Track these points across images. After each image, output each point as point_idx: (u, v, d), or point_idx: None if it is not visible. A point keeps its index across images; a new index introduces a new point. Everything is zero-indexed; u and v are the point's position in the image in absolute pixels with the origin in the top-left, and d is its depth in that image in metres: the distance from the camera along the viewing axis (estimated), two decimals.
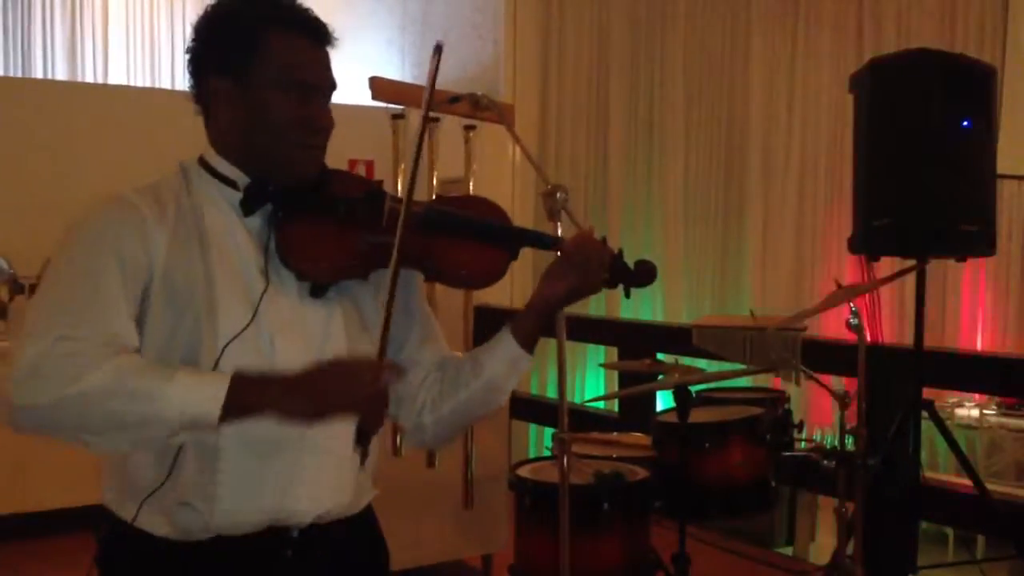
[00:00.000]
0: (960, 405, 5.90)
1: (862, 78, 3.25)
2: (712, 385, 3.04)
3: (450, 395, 1.52)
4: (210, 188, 1.42)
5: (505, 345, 1.49)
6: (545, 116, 5.55)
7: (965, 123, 3.06)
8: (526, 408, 4.58)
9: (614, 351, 5.30)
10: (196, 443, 1.32)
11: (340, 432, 1.39)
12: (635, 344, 4.18)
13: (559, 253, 1.47)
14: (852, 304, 2.45)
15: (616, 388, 5.50)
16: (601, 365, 3.53)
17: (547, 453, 5.45)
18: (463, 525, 3.25)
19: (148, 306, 1.34)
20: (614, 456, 2.53)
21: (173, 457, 1.32)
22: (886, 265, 3.41)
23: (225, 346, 1.32)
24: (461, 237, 1.47)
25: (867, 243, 3.18)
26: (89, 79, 6.12)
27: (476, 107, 2.00)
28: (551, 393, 5.64)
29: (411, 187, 1.38)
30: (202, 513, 1.35)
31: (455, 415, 1.53)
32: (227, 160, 1.43)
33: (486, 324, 4.58)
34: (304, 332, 1.40)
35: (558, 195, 1.92)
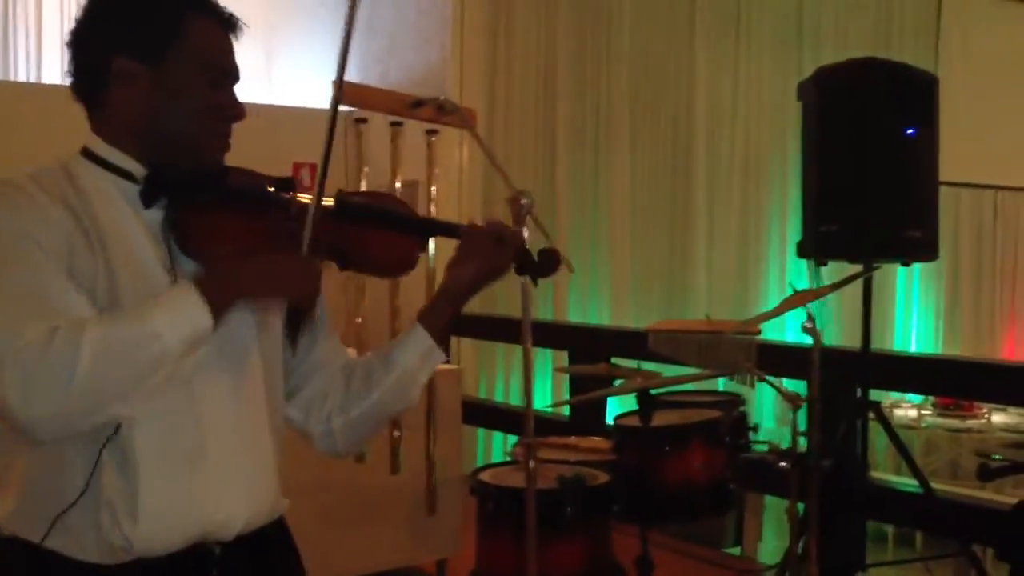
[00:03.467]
0: (898, 406, 6.05)
1: (809, 87, 3.33)
2: (667, 388, 3.07)
3: (361, 396, 1.49)
4: (101, 181, 1.33)
5: (416, 338, 1.48)
6: (492, 121, 5.56)
7: (910, 131, 3.15)
8: (476, 413, 4.58)
9: (563, 355, 5.36)
10: (115, 452, 1.25)
11: (258, 433, 1.39)
12: (587, 348, 4.21)
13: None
14: (807, 308, 2.50)
15: (564, 392, 5.55)
16: (558, 369, 3.53)
17: (501, 457, 5.47)
18: (418, 530, 3.23)
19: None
20: (574, 460, 2.54)
21: (91, 468, 1.24)
22: (832, 269, 3.49)
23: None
24: (372, 226, 1.47)
25: (815, 248, 3.25)
26: (22, 78, 5.99)
27: (440, 112, 1.99)
28: (498, 398, 5.65)
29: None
30: (124, 528, 1.26)
31: (367, 416, 1.51)
32: (119, 150, 1.35)
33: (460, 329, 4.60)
34: (217, 335, 1.29)
35: (523, 201, 1.93)
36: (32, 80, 5.97)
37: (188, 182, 1.36)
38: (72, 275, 1.25)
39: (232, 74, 1.40)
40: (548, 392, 5.66)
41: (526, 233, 1.83)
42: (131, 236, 1.31)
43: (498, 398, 5.65)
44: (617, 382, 2.93)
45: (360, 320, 2.73)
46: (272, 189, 1.41)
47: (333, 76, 1.53)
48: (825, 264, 3.37)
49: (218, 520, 1.33)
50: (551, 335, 4.76)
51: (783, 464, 2.42)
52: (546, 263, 1.52)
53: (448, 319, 1.50)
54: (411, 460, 2.90)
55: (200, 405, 1.33)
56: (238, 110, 1.40)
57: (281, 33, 6.45)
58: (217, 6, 1.40)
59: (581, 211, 5.94)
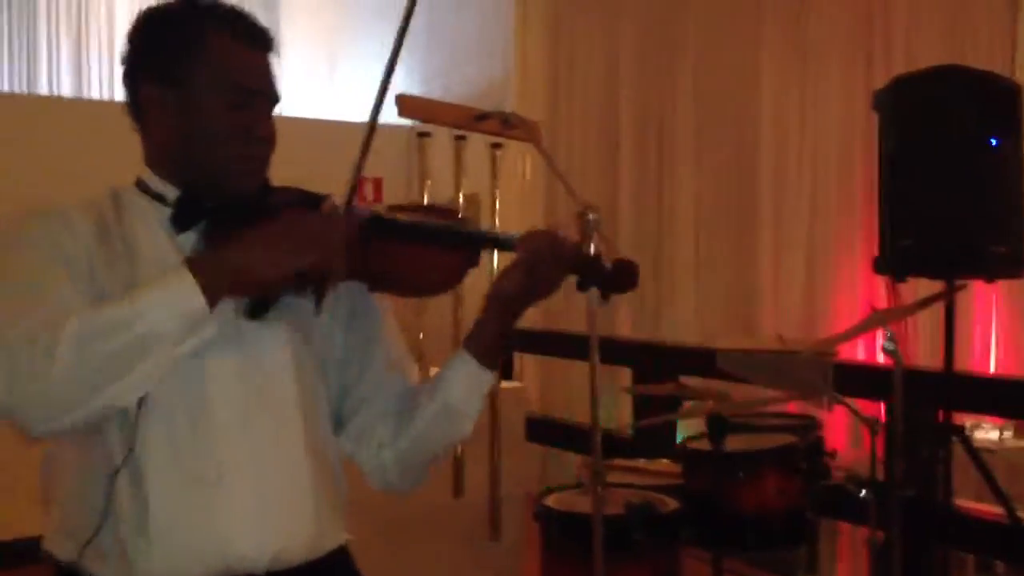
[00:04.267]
0: (979, 427, 5.81)
1: (886, 96, 3.19)
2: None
3: (407, 427, 1.39)
4: (143, 207, 1.33)
5: (461, 363, 1.38)
6: (554, 135, 5.49)
7: (993, 141, 3.00)
8: (540, 430, 4.49)
9: (626, 372, 5.25)
10: (129, 475, 1.22)
11: (288, 459, 1.30)
12: (652, 365, 4.10)
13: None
14: (888, 328, 2.38)
15: (628, 409, 5.43)
16: (625, 389, 3.44)
17: (565, 476, 5.37)
18: (480, 553, 3.16)
19: None
20: (641, 484, 2.45)
21: (107, 494, 1.22)
22: (910, 286, 3.35)
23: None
24: (409, 242, 1.35)
25: (893, 264, 3.11)
26: (95, 95, 6.10)
27: (505, 125, 1.94)
28: (562, 415, 5.54)
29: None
30: (140, 552, 1.22)
31: (415, 449, 1.40)
32: (159, 175, 1.34)
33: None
34: (240, 353, 1.29)
35: (590, 216, 1.85)
36: (106, 98, 6.10)
37: (222, 206, 1.32)
38: (87, 283, 1.24)
39: (262, 93, 1.33)
40: (611, 410, 5.55)
41: (592, 251, 1.75)
42: (161, 261, 1.27)
43: (562, 415, 5.56)
44: (686, 402, 2.84)
45: (422, 336, 2.67)
46: (299, 202, 1.33)
47: (399, 90, 1.47)
48: (903, 280, 3.23)
49: (241, 551, 1.26)
50: (614, 351, 4.63)
51: (863, 493, 2.30)
52: (620, 276, 1.37)
53: (495, 338, 1.38)
54: (474, 480, 2.84)
55: (214, 425, 1.26)
56: (267, 131, 1.33)
57: (345, 49, 6.47)
58: (243, 22, 1.33)
59: (643, 226, 5.83)
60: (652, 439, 3.99)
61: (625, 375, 5.36)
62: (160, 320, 1.14)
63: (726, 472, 2.32)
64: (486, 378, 1.38)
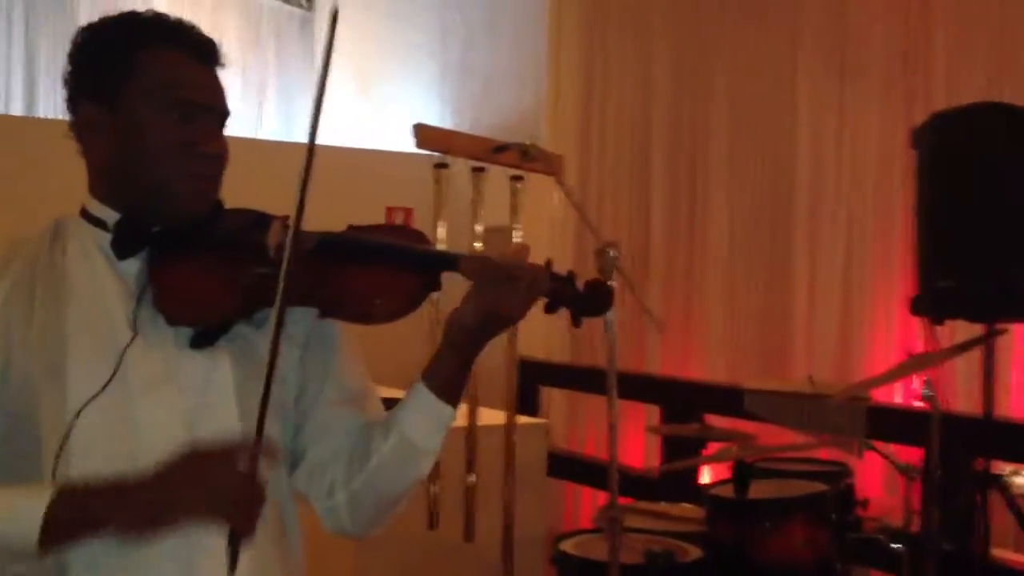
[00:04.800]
0: (1017, 473, 5.62)
1: (925, 133, 3.10)
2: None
3: (361, 465, 1.28)
4: (83, 236, 1.25)
5: (417, 395, 1.27)
6: (587, 166, 5.43)
7: None
8: (563, 466, 4.40)
9: (653, 409, 5.14)
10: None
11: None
12: (679, 403, 4.01)
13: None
14: (925, 374, 2.27)
15: (655, 448, 5.32)
16: (650, 429, 3.35)
17: (589, 513, 5.27)
18: None
19: None
20: (662, 531, 2.36)
21: None
22: (946, 327, 3.23)
23: (77, 413, 1.11)
24: (361, 263, 1.27)
25: (932, 305, 3.00)
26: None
27: (524, 157, 1.88)
28: (588, 450, 5.44)
29: (300, 211, 1.15)
30: None
31: (369, 490, 1.28)
32: (99, 199, 1.26)
33: (532, 380, 4.45)
34: (180, 388, 1.19)
35: (610, 253, 1.78)
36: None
37: (167, 230, 1.24)
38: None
39: (206, 107, 1.25)
40: (639, 448, 5.44)
41: (613, 284, 1.68)
42: (96, 289, 1.20)
43: (588, 451, 5.46)
44: (712, 444, 2.75)
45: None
46: (247, 224, 1.26)
47: (428, 120, 1.41)
48: (942, 323, 3.12)
49: None
50: (641, 388, 4.55)
51: (896, 545, 2.19)
52: (592, 298, 1.29)
53: (455, 371, 1.27)
54: (490, 519, 2.75)
55: (140, 453, 1.13)
56: (214, 146, 1.24)
57: (375, 77, 6.48)
58: (185, 35, 1.26)
59: (675, 261, 5.74)
60: (678, 480, 3.89)
61: (654, 412, 5.28)
62: None
63: (752, 521, 2.22)
64: (447, 413, 1.27)
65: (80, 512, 1.05)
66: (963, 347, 2.36)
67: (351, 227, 1.34)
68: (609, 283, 1.32)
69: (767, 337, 6.02)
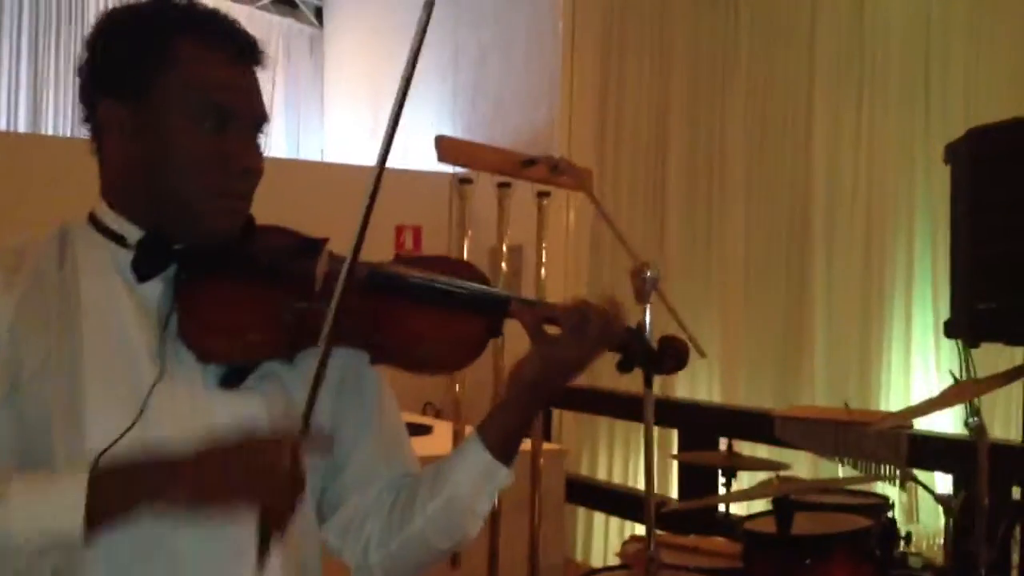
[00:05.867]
0: None
1: (960, 148, 2.98)
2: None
3: (402, 524, 1.16)
4: (96, 249, 1.10)
5: (471, 452, 1.14)
6: (601, 187, 5.32)
7: None
8: (579, 491, 4.27)
9: (670, 433, 5.01)
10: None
11: (251, 563, 1.01)
12: (700, 428, 3.88)
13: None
14: (973, 400, 2.15)
15: (673, 474, 5.19)
16: (673, 457, 3.23)
17: (603, 540, 5.13)
18: None
19: None
20: (697, 567, 2.23)
21: None
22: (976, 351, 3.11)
23: (97, 459, 0.97)
24: (420, 304, 1.13)
25: (970, 328, 2.87)
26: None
27: (554, 171, 1.77)
28: (600, 475, 5.31)
29: (359, 240, 1.01)
30: None
31: (409, 550, 1.17)
32: (117, 211, 1.11)
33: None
34: (208, 432, 1.04)
35: (647, 273, 1.67)
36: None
37: (196, 249, 1.10)
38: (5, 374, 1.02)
39: (243, 116, 1.10)
40: (655, 474, 5.31)
41: (648, 312, 1.56)
42: (115, 315, 1.05)
43: (600, 475, 5.33)
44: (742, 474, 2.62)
45: (459, 388, 2.46)
46: (292, 251, 1.12)
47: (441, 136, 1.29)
48: (977, 346, 2.99)
49: None
50: (659, 411, 4.42)
51: None
52: (666, 356, 1.18)
53: (515, 428, 1.15)
54: (512, 549, 2.63)
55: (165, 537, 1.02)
56: (250, 160, 1.10)
57: (387, 94, 6.41)
58: (223, 28, 1.11)
59: (691, 280, 5.63)
60: (702, 511, 3.76)
61: (670, 436, 5.15)
62: (19, 532, 0.92)
63: (792, 558, 2.10)
64: (502, 474, 1.15)
65: (123, 492, 0.95)
66: (1015, 374, 2.24)
67: (399, 256, 1.21)
68: (681, 340, 1.21)
69: (786, 356, 5.90)
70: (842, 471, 2.60)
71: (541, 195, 2.15)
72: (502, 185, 2.12)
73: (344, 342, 1.07)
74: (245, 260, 1.11)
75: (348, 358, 1.15)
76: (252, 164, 1.11)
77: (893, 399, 6.13)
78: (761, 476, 2.99)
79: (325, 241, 1.16)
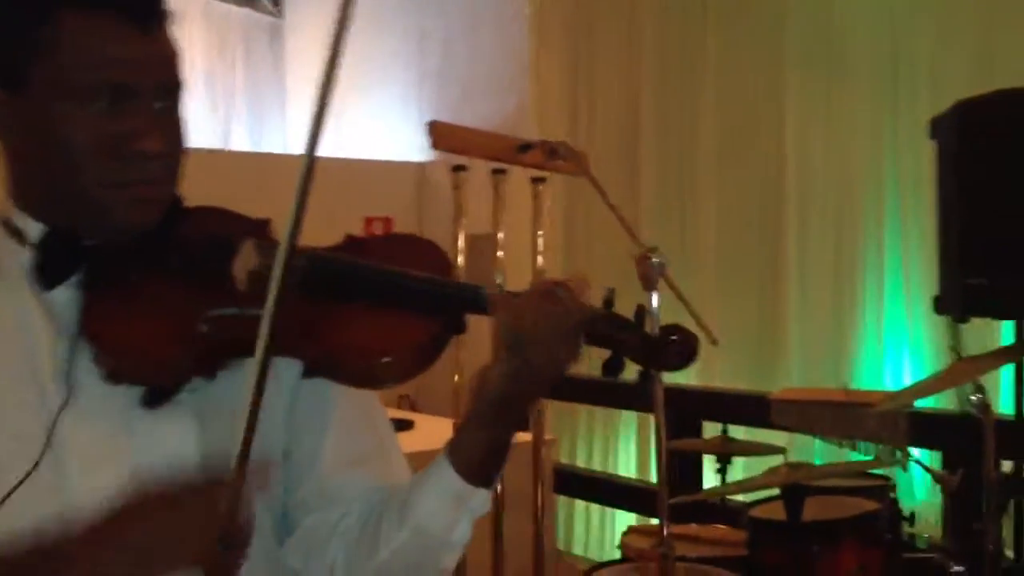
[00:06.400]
0: None
1: (946, 123, 2.95)
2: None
3: (368, 554, 1.00)
4: (3, 255, 0.98)
5: (438, 476, 0.97)
6: None
7: None
8: (564, 482, 4.22)
9: (648, 418, 4.97)
10: None
11: None
12: (684, 412, 3.83)
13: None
14: (978, 378, 2.11)
15: (651, 460, 5.17)
16: (670, 446, 3.16)
17: (583, 530, 5.09)
18: None
19: None
20: (700, 557, 2.18)
21: None
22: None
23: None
24: (364, 301, 0.95)
25: (961, 304, 2.85)
26: None
27: (552, 156, 1.70)
28: (579, 463, 5.26)
29: (294, 232, 0.81)
30: None
31: None
32: (19, 207, 0.98)
33: None
34: (130, 463, 0.92)
35: (654, 260, 1.60)
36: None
37: (108, 246, 0.94)
38: None
39: (143, 90, 0.94)
40: (632, 460, 5.27)
41: (655, 300, 1.47)
42: (20, 332, 0.91)
43: (579, 463, 5.28)
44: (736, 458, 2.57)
45: (457, 378, 2.35)
46: (208, 244, 0.95)
47: (405, 128, 1.17)
48: (967, 321, 2.97)
49: None
50: (639, 397, 4.38)
51: (957, 569, 2.02)
52: (671, 349, 0.96)
53: (487, 448, 0.97)
54: (512, 538, 2.56)
55: None
56: (146, 144, 0.93)
57: (351, 85, 6.28)
58: None
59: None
60: (679, 491, 3.71)
61: (648, 421, 5.11)
62: None
63: (800, 545, 2.05)
64: (477, 499, 0.98)
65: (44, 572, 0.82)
66: (1020, 349, 2.21)
67: (349, 238, 1.05)
68: (686, 329, 0.98)
69: (760, 339, 5.88)
70: (840, 454, 2.56)
71: (536, 181, 2.07)
72: (496, 171, 2.04)
73: (278, 351, 0.86)
74: (157, 258, 0.95)
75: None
76: (150, 146, 0.94)
77: (867, 379, 6.15)
78: (753, 462, 2.95)
79: (265, 225, 1.00)
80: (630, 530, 2.53)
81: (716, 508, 2.70)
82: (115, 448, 0.93)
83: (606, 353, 0.98)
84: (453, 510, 0.97)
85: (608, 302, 0.97)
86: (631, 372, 1.01)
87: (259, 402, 0.77)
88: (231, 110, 6.57)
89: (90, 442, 0.92)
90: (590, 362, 0.98)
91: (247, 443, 0.78)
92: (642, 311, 1.00)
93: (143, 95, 0.94)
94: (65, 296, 0.94)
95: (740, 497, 2.52)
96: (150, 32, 0.95)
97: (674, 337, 0.97)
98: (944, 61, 6.40)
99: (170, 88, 0.97)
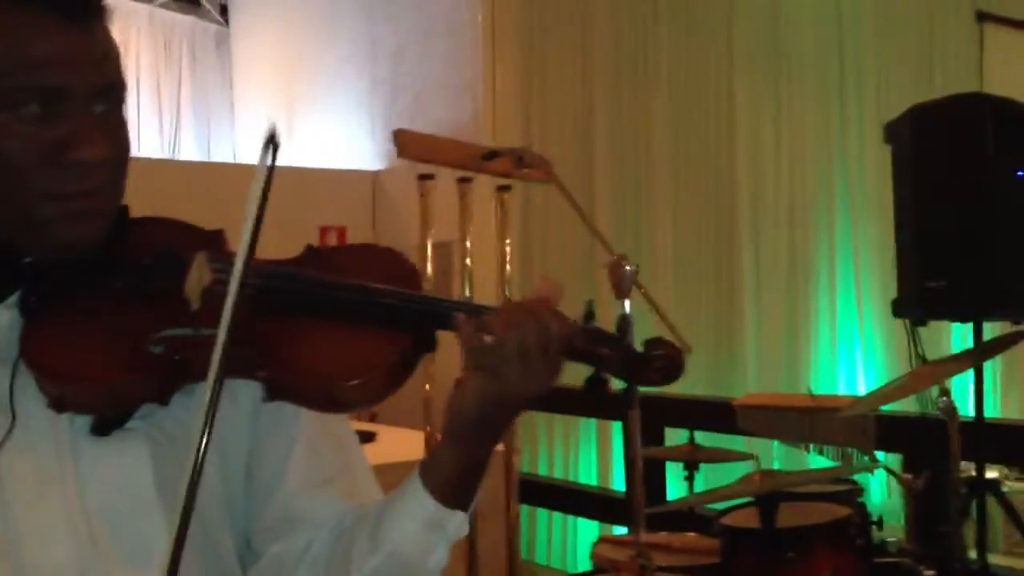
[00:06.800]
0: (1007, 477, 5.54)
1: (901, 127, 2.98)
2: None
3: None
4: None
5: (411, 499, 0.91)
6: None
7: (1020, 173, 2.80)
8: (527, 491, 4.18)
9: (607, 425, 4.96)
10: None
11: None
12: (647, 421, 3.82)
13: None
14: (943, 382, 2.13)
15: (613, 467, 5.16)
16: (646, 454, 3.15)
17: (545, 539, 5.05)
18: None
19: None
20: (673, 566, 2.16)
21: None
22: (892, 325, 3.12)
23: None
24: (328, 318, 0.89)
25: (919, 307, 2.87)
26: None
27: (519, 163, 1.67)
28: (541, 472, 5.23)
29: (250, 249, 0.76)
30: None
31: None
32: None
33: None
34: (79, 492, 0.87)
35: (627, 267, 1.58)
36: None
37: (42, 266, 0.87)
38: None
39: (77, 92, 0.85)
40: (593, 468, 5.26)
41: (628, 307, 1.45)
42: None
43: (541, 472, 5.25)
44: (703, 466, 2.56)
45: (428, 387, 2.30)
46: (157, 260, 0.89)
47: (358, 136, 1.13)
48: (925, 324, 3.00)
49: None
50: (604, 405, 4.37)
51: (929, 573, 2.03)
52: (656, 365, 0.91)
53: (462, 470, 0.91)
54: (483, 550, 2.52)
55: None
56: (83, 152, 0.85)
57: (301, 93, 6.20)
58: None
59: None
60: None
61: (608, 427, 5.10)
62: None
63: (774, 551, 2.04)
64: (454, 523, 0.91)
65: None
66: (986, 352, 2.23)
67: (310, 248, 0.98)
68: (670, 343, 0.93)
69: (717, 345, 5.91)
70: (801, 459, 2.56)
71: (501, 189, 2.05)
72: (462, 180, 2.01)
73: (232, 374, 0.82)
74: (102, 275, 0.88)
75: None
76: (90, 153, 0.86)
77: (822, 383, 6.22)
78: (719, 468, 2.95)
79: (218, 236, 0.94)
80: (600, 540, 2.51)
81: (685, 516, 2.68)
82: (61, 478, 0.87)
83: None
84: (428, 535, 0.91)
85: (589, 315, 0.92)
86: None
87: (210, 430, 0.71)
88: (179, 119, 6.47)
89: (33, 472, 0.86)
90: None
91: (196, 470, 0.71)
92: (626, 323, 1.00)
93: (78, 97, 0.86)
94: (5, 318, 0.88)
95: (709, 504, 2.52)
96: (83, 28, 0.86)
97: (659, 352, 0.92)
98: (889, 72, 6.54)
99: (109, 89, 0.88)
